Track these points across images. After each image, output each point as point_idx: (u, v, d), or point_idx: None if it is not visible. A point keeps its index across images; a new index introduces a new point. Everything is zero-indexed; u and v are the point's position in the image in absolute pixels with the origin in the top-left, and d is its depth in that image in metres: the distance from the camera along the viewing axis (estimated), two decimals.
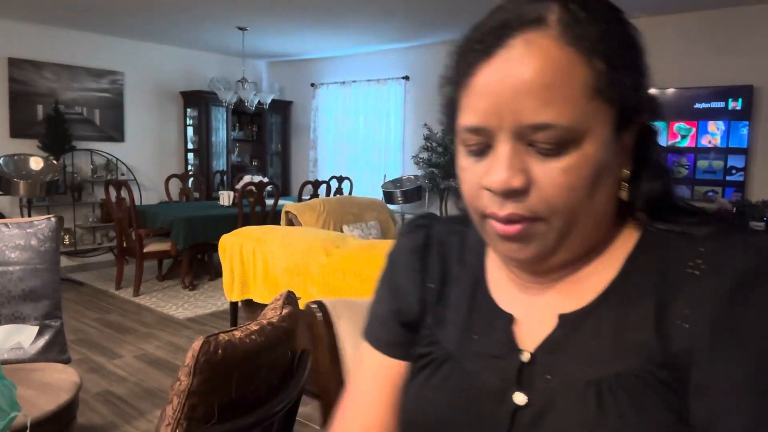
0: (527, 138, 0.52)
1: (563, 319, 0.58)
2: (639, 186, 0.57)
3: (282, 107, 7.17)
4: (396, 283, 0.71)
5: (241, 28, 5.36)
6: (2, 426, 0.82)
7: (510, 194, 0.54)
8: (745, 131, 4.14)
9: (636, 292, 0.56)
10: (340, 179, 6.02)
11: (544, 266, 0.59)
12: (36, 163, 5.02)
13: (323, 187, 5.77)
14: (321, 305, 1.03)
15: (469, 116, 0.55)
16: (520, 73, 0.51)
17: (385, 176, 6.17)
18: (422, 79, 5.99)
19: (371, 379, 0.70)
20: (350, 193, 6.05)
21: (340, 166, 6.64)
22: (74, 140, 5.58)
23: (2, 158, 4.85)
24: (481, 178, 0.55)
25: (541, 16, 0.53)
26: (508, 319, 0.61)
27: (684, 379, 0.51)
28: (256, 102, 5.89)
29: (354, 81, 6.51)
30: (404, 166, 6.14)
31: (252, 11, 4.77)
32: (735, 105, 4.14)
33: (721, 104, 4.19)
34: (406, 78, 6.10)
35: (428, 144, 5.68)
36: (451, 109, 0.59)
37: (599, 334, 0.55)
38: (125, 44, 5.97)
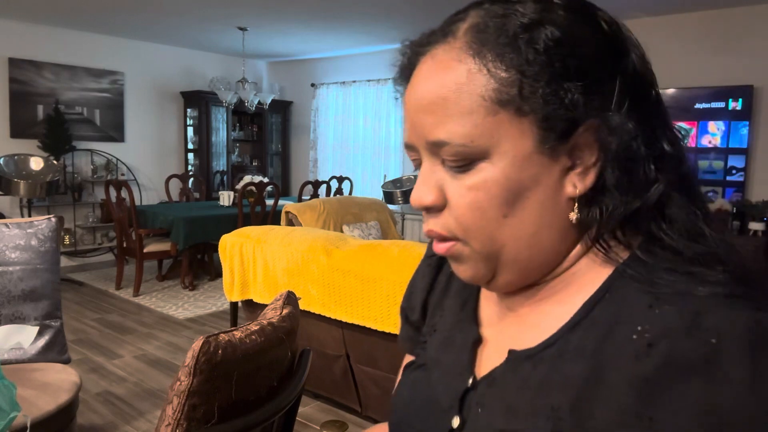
0: (439, 155, 0.51)
1: (510, 355, 0.53)
2: (599, 207, 0.49)
3: (282, 107, 7.17)
4: (412, 284, 0.73)
5: (241, 28, 5.36)
6: (2, 426, 0.82)
7: (428, 211, 0.52)
8: (745, 131, 4.14)
9: (575, 348, 0.48)
10: (340, 179, 6.02)
11: (496, 289, 0.56)
12: (36, 164, 5.02)
13: (323, 187, 5.77)
14: None
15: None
16: (420, 91, 0.51)
17: (385, 176, 6.17)
18: None
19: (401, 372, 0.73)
20: (350, 193, 6.05)
21: (340, 166, 6.64)
22: (74, 140, 5.59)
23: (2, 158, 4.85)
24: None
25: (455, 27, 0.51)
26: (475, 340, 0.59)
27: None
28: (256, 102, 5.89)
29: (354, 81, 6.51)
30: (404, 166, 6.14)
31: (252, 11, 4.77)
32: (735, 105, 4.14)
33: (721, 104, 4.19)
34: None
35: None
36: None
37: (527, 384, 0.50)
38: (125, 44, 5.98)
